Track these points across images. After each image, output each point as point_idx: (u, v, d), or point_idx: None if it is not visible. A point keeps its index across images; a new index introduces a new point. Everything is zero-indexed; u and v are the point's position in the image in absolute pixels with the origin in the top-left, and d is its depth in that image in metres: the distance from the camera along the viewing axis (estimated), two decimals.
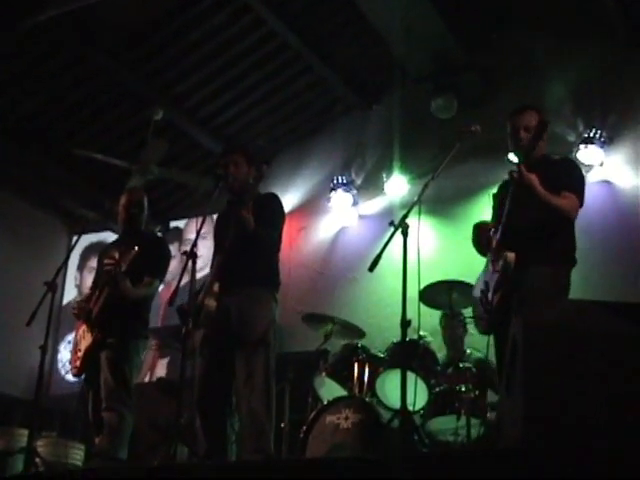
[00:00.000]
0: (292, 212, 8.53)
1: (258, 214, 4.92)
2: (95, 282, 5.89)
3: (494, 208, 4.96)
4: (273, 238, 5.16)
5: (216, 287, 4.96)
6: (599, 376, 3.07)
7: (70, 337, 9.23)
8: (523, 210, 4.53)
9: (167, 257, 5.89)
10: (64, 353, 9.73)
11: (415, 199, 4.56)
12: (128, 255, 5.36)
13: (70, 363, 5.74)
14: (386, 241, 4.33)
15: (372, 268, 4.28)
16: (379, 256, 4.28)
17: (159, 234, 8.75)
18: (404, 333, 4.24)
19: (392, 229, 4.39)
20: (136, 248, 5.34)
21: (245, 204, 4.88)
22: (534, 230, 4.55)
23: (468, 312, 5.75)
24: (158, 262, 5.72)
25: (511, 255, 4.46)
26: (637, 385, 3.02)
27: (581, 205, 4.71)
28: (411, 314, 4.31)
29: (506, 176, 4.85)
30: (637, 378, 3.04)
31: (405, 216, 4.41)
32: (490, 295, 4.64)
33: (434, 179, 4.58)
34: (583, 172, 4.98)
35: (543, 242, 4.54)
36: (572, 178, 4.76)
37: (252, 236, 4.93)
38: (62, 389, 9.67)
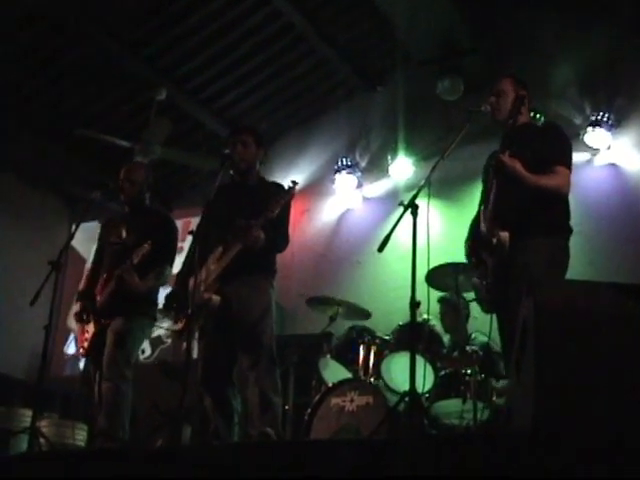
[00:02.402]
0: (296, 194, 8.44)
1: (271, 221, 4.87)
2: (98, 256, 5.82)
3: (482, 191, 4.87)
4: (283, 243, 5.14)
5: (210, 277, 4.93)
6: (611, 358, 3.02)
7: None
8: (511, 189, 4.45)
9: (176, 239, 5.84)
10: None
11: (422, 181, 4.52)
12: (141, 249, 5.29)
13: (77, 343, 5.70)
14: (396, 221, 4.29)
15: (381, 249, 4.24)
16: (388, 236, 4.24)
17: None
18: (413, 314, 4.22)
19: (401, 209, 4.35)
20: (148, 243, 5.28)
21: (255, 224, 4.82)
22: (525, 207, 4.46)
23: (471, 295, 5.72)
24: (168, 248, 5.64)
25: (504, 234, 4.40)
26: None
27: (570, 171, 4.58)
28: (418, 297, 4.28)
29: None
30: None
31: (415, 196, 4.38)
32: (489, 274, 4.59)
33: (444, 159, 4.54)
34: (567, 137, 4.83)
35: (535, 217, 4.46)
36: (559, 149, 4.63)
37: (262, 251, 4.91)
38: (64, 370, 9.68)
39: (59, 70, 8.33)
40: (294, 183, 5.07)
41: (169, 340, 8.88)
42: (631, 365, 3.00)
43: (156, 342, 9.02)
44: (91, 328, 5.52)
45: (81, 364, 8.80)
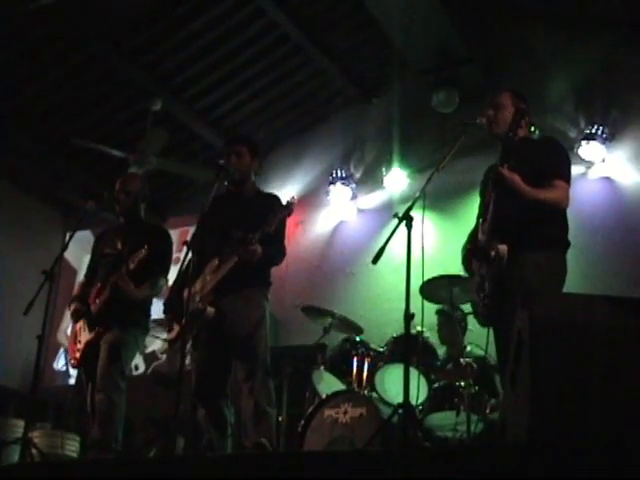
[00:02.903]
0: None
1: (268, 235, 4.85)
2: (91, 268, 5.80)
3: (480, 204, 4.86)
4: (280, 258, 5.14)
5: (206, 288, 4.93)
6: (606, 370, 3.03)
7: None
8: (510, 202, 4.45)
9: (171, 251, 5.82)
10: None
11: (417, 193, 4.53)
12: (137, 254, 5.26)
13: (68, 353, 5.68)
14: (390, 233, 4.28)
15: (376, 261, 4.24)
16: (383, 248, 4.25)
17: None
18: (407, 326, 4.22)
19: (396, 221, 4.35)
20: (145, 248, 5.25)
21: (252, 238, 4.80)
22: (523, 220, 4.44)
23: (467, 308, 5.72)
24: (163, 259, 5.62)
25: (503, 247, 4.37)
26: None
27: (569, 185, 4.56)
28: (412, 309, 4.27)
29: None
30: None
31: (410, 208, 4.39)
32: (486, 287, 4.58)
33: (439, 171, 4.54)
34: (566, 151, 4.83)
35: (534, 230, 4.44)
36: (558, 163, 4.61)
37: (259, 265, 4.91)
38: (56, 381, 9.64)
39: (57, 77, 8.32)
40: (293, 199, 5.05)
41: (164, 356, 8.85)
42: (626, 377, 3.00)
43: (150, 358, 8.97)
44: (83, 338, 5.50)
45: (73, 375, 8.81)
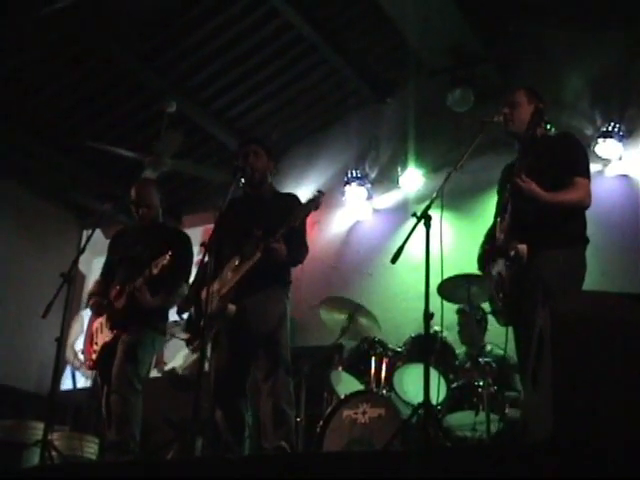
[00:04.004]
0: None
1: (290, 234, 4.82)
2: (108, 268, 5.78)
3: (498, 203, 4.84)
4: (304, 254, 5.12)
5: (226, 287, 4.92)
6: (629, 368, 3.00)
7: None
8: (529, 203, 4.42)
9: (192, 256, 5.76)
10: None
11: (434, 192, 4.52)
12: (160, 260, 5.21)
13: (84, 354, 5.67)
14: (409, 233, 4.27)
15: (394, 260, 4.22)
16: (401, 248, 4.23)
17: None
18: (427, 326, 4.19)
19: (413, 221, 4.33)
20: (170, 254, 5.20)
21: (275, 235, 4.77)
22: (541, 218, 4.42)
23: (487, 307, 5.69)
24: (185, 265, 5.58)
25: (522, 246, 4.36)
26: None
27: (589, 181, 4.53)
28: (430, 308, 4.25)
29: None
30: None
31: (428, 207, 4.37)
32: (505, 287, 4.56)
33: (457, 170, 4.52)
34: (584, 146, 4.82)
35: (552, 228, 4.43)
36: (576, 160, 4.58)
37: (283, 263, 4.90)
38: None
39: (72, 80, 8.34)
40: (320, 192, 4.99)
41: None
42: None
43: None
44: (100, 340, 5.50)
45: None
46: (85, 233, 9.91)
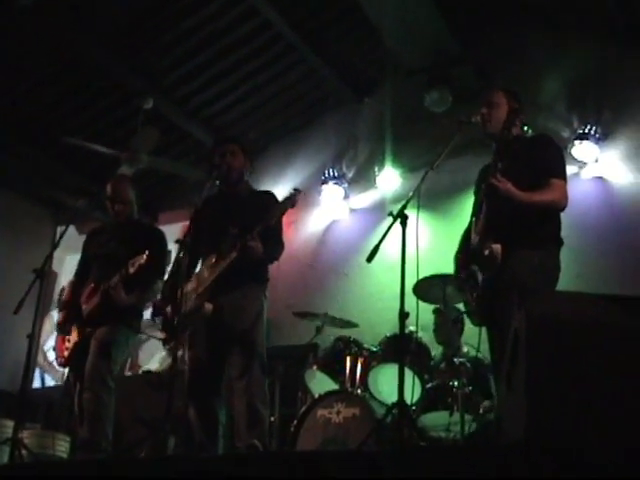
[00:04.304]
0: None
1: (266, 232, 4.81)
2: (83, 267, 5.74)
3: (474, 203, 4.83)
4: (279, 251, 5.10)
5: (203, 285, 4.88)
6: (604, 368, 3.00)
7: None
8: (504, 203, 4.41)
9: (166, 253, 5.74)
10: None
11: (411, 192, 4.50)
12: (137, 259, 5.17)
13: (56, 351, 5.62)
14: (385, 231, 4.26)
15: (370, 259, 4.21)
16: (377, 247, 4.22)
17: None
18: (402, 326, 4.18)
19: (390, 220, 4.32)
20: (147, 254, 5.18)
21: (251, 233, 4.75)
22: (516, 218, 4.41)
23: (462, 307, 5.69)
24: (160, 263, 5.54)
25: (497, 246, 4.35)
26: None
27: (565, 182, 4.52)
28: (405, 308, 4.24)
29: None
30: None
31: (404, 206, 4.37)
32: (479, 286, 4.56)
33: (433, 169, 4.51)
34: (560, 147, 4.82)
35: (527, 228, 4.42)
36: (553, 160, 4.58)
37: (260, 261, 4.87)
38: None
39: (47, 77, 8.25)
40: (297, 190, 4.96)
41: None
42: (624, 375, 2.97)
43: None
44: (73, 337, 5.45)
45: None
46: (59, 229, 9.81)
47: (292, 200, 4.88)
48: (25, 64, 8.02)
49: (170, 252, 5.74)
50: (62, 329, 5.57)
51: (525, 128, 4.98)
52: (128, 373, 8.61)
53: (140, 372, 8.53)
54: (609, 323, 3.11)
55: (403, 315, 4.17)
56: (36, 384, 9.59)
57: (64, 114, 8.70)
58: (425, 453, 3.54)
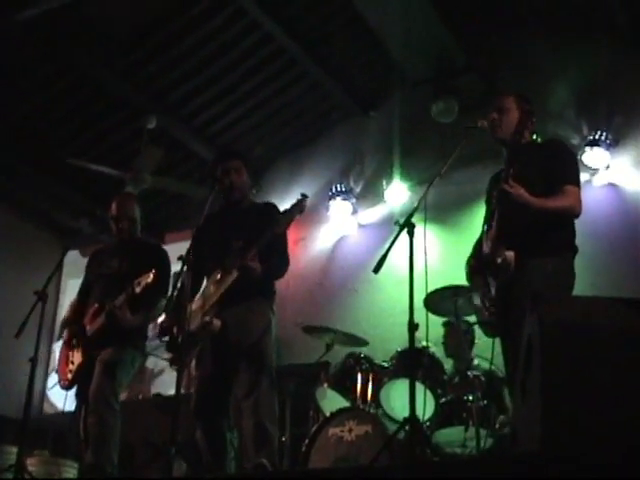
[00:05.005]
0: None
1: (270, 248, 4.73)
2: (84, 288, 5.65)
3: (486, 212, 4.73)
4: (284, 269, 4.99)
5: (210, 301, 4.79)
6: (620, 374, 2.89)
7: None
8: (517, 210, 4.31)
9: (170, 271, 5.60)
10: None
11: (417, 200, 4.41)
12: (143, 278, 5.08)
13: (59, 374, 5.51)
14: (391, 241, 4.16)
15: (377, 270, 4.12)
16: (384, 257, 4.13)
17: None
18: (412, 336, 4.06)
19: (397, 229, 4.22)
20: (153, 273, 5.07)
21: (249, 251, 4.66)
22: (529, 225, 4.32)
23: (473, 319, 5.58)
24: (164, 282, 5.41)
25: (510, 254, 4.25)
26: None
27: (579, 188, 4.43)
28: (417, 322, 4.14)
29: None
30: None
31: (411, 215, 4.27)
32: (492, 296, 4.44)
33: (441, 177, 4.43)
34: (573, 153, 4.76)
35: (540, 235, 4.32)
36: (566, 167, 4.49)
37: (260, 281, 4.76)
38: (55, 407, 9.47)
39: (49, 98, 8.22)
40: (304, 196, 4.85)
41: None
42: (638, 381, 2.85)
43: None
44: (77, 359, 5.34)
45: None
46: (69, 254, 9.74)
47: (300, 206, 4.78)
48: (26, 85, 7.99)
49: (170, 270, 5.63)
50: (69, 345, 5.47)
51: (535, 137, 4.88)
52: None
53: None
54: (625, 327, 3.00)
55: (413, 326, 4.06)
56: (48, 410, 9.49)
57: (68, 136, 8.66)
58: (437, 468, 3.43)
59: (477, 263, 4.62)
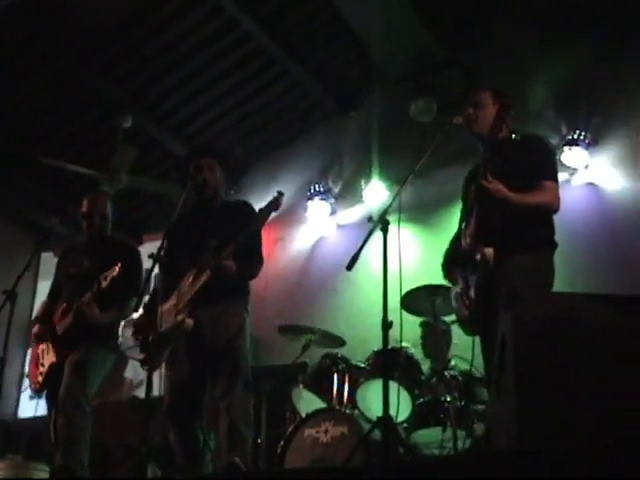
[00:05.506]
0: (269, 223, 8.19)
1: (244, 247, 4.66)
2: (55, 288, 5.56)
3: (462, 208, 4.70)
4: (258, 267, 4.93)
5: (183, 300, 4.71)
6: (594, 370, 2.86)
7: None
8: (495, 206, 4.25)
9: (141, 269, 5.51)
10: None
11: (395, 199, 4.37)
12: (109, 272, 4.98)
13: (30, 378, 5.41)
14: (365, 237, 4.11)
15: (350, 267, 4.09)
16: (357, 254, 4.08)
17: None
18: (385, 335, 4.01)
19: (371, 226, 4.18)
20: (119, 266, 4.98)
21: (224, 249, 4.61)
22: (508, 221, 4.27)
23: (451, 319, 5.53)
24: (134, 278, 5.32)
25: (489, 250, 4.20)
26: (633, 376, 2.82)
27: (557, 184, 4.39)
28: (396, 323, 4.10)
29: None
30: (633, 369, 2.84)
31: (385, 212, 4.21)
32: (472, 293, 4.38)
33: (415, 173, 4.40)
34: (551, 148, 4.75)
35: (519, 231, 4.28)
36: (544, 162, 4.46)
37: (234, 280, 4.71)
38: (30, 411, 9.34)
39: (23, 95, 8.11)
40: (280, 193, 4.80)
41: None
42: (614, 376, 2.83)
43: None
44: (47, 360, 5.24)
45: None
46: (44, 255, 9.62)
47: (276, 203, 4.74)
48: (1, 83, 7.85)
49: (142, 268, 5.53)
50: (40, 339, 5.37)
51: (513, 136, 4.83)
52: None
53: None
54: (598, 323, 2.97)
55: (386, 325, 4.02)
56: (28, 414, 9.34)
57: (42, 134, 8.55)
58: (411, 466, 3.36)
59: (453, 256, 4.57)
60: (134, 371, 8.51)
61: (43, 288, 9.31)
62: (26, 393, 9.28)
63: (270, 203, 4.75)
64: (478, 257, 4.25)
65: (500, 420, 3.28)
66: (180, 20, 7.50)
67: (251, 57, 8.04)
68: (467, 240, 4.42)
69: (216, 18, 7.53)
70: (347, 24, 7.44)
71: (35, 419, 8.88)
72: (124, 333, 6.01)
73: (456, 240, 4.64)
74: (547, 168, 4.43)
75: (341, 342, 6.27)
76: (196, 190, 5.00)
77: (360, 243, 4.29)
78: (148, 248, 6.64)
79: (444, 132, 4.53)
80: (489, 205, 4.25)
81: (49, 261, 8.11)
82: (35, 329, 5.43)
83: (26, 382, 9.18)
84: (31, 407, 9.15)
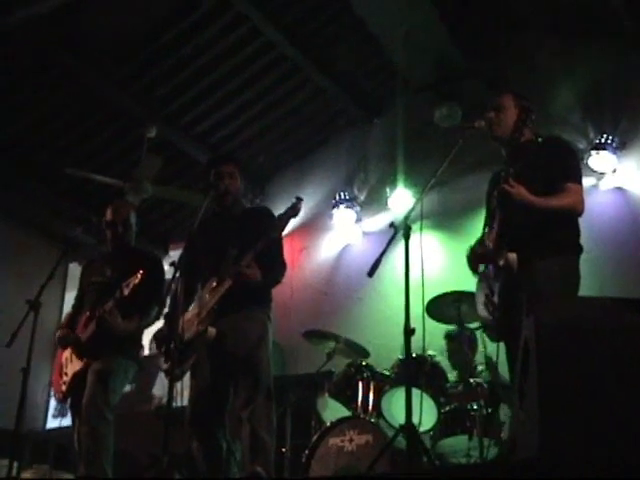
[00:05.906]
0: (294, 231, 8.27)
1: (265, 253, 4.64)
2: (79, 298, 5.57)
3: (486, 212, 4.65)
4: (281, 273, 4.89)
5: (205, 309, 4.69)
6: (618, 375, 2.80)
7: None
8: (518, 210, 4.20)
9: (163, 278, 5.50)
10: None
11: (420, 206, 4.36)
12: (131, 280, 4.97)
13: (54, 387, 5.41)
14: (387, 243, 4.07)
15: (372, 273, 4.06)
16: (379, 260, 4.03)
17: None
18: (407, 341, 3.97)
19: (393, 231, 4.14)
20: (140, 273, 4.97)
21: (244, 258, 4.59)
22: (532, 225, 4.22)
23: (476, 325, 5.48)
24: (156, 286, 5.31)
25: (512, 255, 4.15)
26: None
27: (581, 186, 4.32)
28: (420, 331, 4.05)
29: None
30: None
31: (407, 217, 4.17)
32: (496, 299, 4.31)
33: (436, 178, 4.36)
34: (574, 150, 4.69)
35: (543, 235, 4.22)
36: (567, 164, 4.39)
37: (258, 287, 4.69)
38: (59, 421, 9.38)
39: (48, 109, 8.16)
40: (299, 199, 4.77)
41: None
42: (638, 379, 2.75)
43: None
44: (70, 370, 5.24)
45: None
46: (71, 266, 9.67)
47: (294, 209, 4.72)
48: (25, 97, 7.94)
49: (164, 276, 5.52)
50: (64, 342, 5.38)
51: (540, 140, 4.78)
52: None
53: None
54: (623, 327, 2.91)
55: (409, 331, 3.97)
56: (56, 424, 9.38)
57: (67, 147, 8.59)
58: (435, 474, 3.32)
59: (481, 251, 4.48)
60: (163, 389, 8.50)
61: (70, 300, 9.35)
62: (52, 404, 9.36)
63: (288, 209, 4.73)
64: (502, 262, 4.20)
65: (523, 426, 3.22)
66: (203, 30, 7.51)
67: (274, 65, 8.04)
68: (489, 245, 4.36)
69: (238, 28, 7.53)
70: (368, 31, 7.39)
71: (62, 429, 8.98)
72: (151, 346, 6.02)
73: (480, 241, 4.58)
74: (570, 170, 4.37)
75: (365, 353, 6.21)
76: (217, 198, 4.98)
77: (388, 252, 4.22)
78: (174, 257, 6.63)
79: (466, 137, 4.48)
80: (512, 209, 4.20)
81: (76, 273, 8.12)
82: (59, 333, 5.43)
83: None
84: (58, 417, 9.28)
